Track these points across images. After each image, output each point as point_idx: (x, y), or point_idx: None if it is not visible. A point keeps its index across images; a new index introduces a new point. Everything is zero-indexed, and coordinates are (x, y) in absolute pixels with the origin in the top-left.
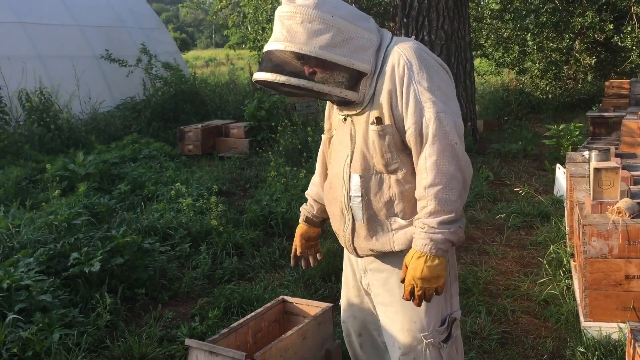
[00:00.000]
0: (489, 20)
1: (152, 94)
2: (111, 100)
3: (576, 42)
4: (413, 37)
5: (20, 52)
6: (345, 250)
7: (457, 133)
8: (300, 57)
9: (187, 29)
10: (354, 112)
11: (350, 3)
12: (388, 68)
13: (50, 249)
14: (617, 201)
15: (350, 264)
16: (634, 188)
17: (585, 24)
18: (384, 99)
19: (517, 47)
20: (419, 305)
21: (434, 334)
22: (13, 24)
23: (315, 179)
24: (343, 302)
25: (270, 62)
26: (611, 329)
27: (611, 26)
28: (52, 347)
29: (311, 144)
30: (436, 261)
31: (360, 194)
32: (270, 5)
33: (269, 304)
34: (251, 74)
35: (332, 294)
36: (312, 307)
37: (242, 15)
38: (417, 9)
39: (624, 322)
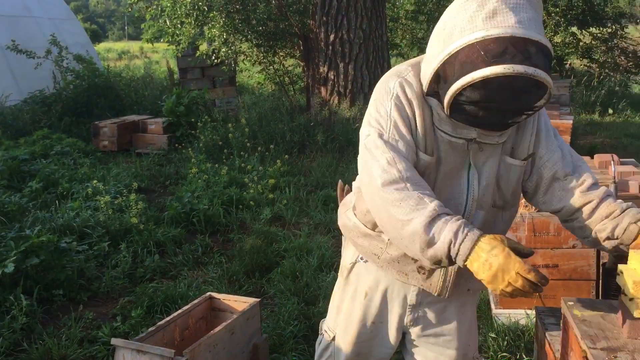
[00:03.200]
0: (404, 21)
1: (64, 87)
2: (18, 94)
3: None
4: (332, 35)
5: None
6: (370, 285)
7: None
8: (547, 62)
9: (98, 19)
10: (492, 142)
11: None
12: None
13: None
14: None
15: (381, 301)
16: None
17: None
18: (524, 132)
19: None
20: None
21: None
22: None
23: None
24: (347, 338)
25: (538, 61)
26: (519, 315)
27: None
28: None
29: (232, 140)
30: None
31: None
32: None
33: (196, 301)
34: (169, 69)
35: (257, 290)
36: (239, 303)
37: (159, 8)
38: (336, 8)
39: (531, 309)
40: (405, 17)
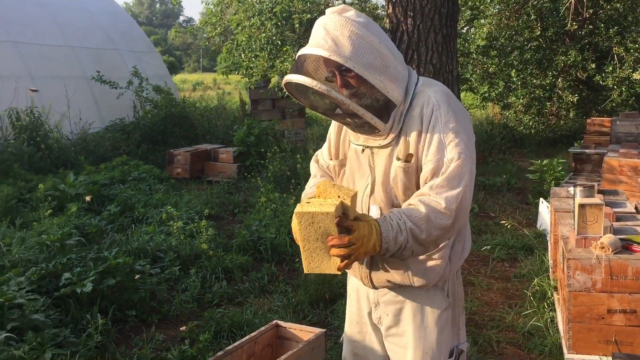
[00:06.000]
0: (475, 56)
1: (142, 116)
2: (100, 122)
3: (559, 80)
4: None
5: (12, 71)
6: (351, 285)
7: (471, 179)
8: (342, 70)
9: (175, 52)
10: (376, 145)
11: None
12: (416, 108)
13: (42, 269)
14: (601, 237)
15: (357, 299)
16: (616, 224)
17: (568, 62)
18: (412, 138)
19: (502, 82)
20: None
21: None
22: (5, 43)
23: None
24: (345, 336)
25: (308, 68)
26: None
27: (593, 65)
28: None
29: (300, 171)
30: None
31: None
32: (264, 34)
33: (263, 328)
34: (241, 100)
35: (321, 320)
36: (305, 332)
37: (235, 42)
38: (407, 43)
39: (606, 355)
40: (476, 52)
